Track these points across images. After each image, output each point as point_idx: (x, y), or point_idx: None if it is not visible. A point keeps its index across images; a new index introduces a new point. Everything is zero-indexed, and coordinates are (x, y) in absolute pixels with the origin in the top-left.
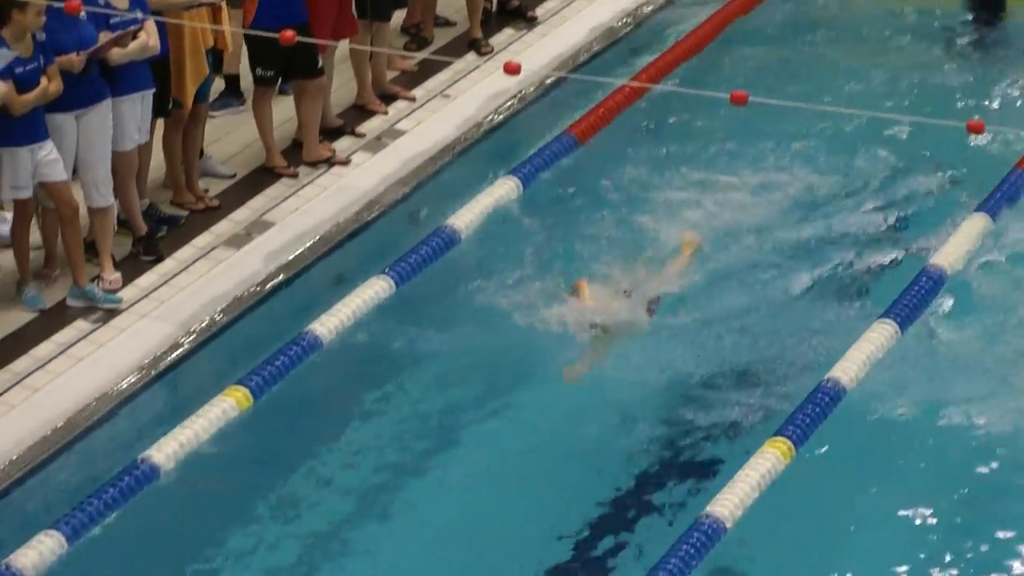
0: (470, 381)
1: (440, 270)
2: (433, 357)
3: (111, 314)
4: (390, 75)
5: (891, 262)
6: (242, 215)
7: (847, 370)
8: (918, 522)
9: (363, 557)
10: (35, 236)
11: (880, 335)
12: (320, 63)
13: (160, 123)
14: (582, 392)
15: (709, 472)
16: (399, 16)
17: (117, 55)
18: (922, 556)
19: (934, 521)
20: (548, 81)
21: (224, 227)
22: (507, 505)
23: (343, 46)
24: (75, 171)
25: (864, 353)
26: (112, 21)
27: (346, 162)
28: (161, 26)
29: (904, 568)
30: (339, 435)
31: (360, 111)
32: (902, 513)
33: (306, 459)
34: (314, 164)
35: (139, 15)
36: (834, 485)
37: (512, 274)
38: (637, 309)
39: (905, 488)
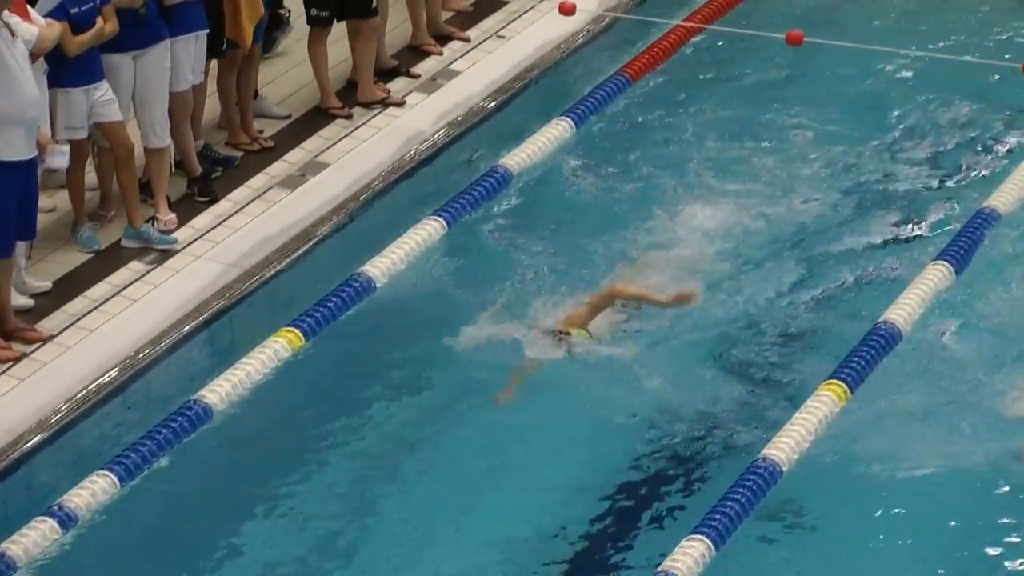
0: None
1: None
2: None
3: (166, 255)
4: (445, 15)
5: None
6: (297, 156)
7: (901, 312)
8: None
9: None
10: (90, 177)
11: (934, 277)
12: (374, 3)
13: (214, 64)
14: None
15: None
16: None
17: None
18: None
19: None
20: (602, 22)
21: (279, 168)
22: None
23: None
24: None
25: (918, 295)
26: None
27: (400, 103)
28: None
29: None
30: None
31: (414, 51)
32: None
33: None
34: (369, 105)
35: None
36: None
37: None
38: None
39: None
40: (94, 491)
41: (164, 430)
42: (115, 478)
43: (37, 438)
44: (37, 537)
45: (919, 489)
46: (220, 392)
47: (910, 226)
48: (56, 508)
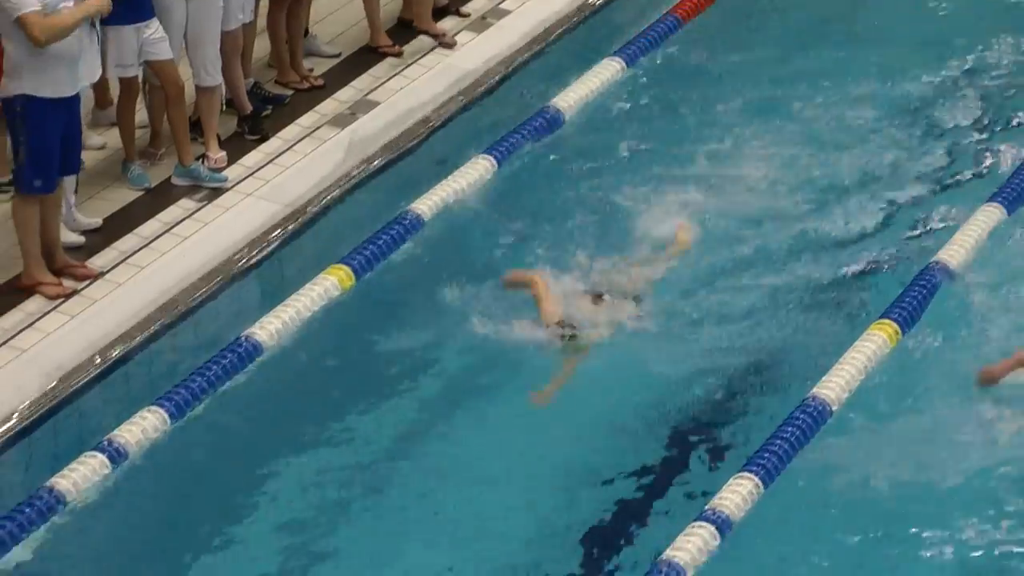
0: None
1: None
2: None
3: (216, 193)
4: None
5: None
6: (346, 94)
7: (955, 253)
8: None
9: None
10: (141, 115)
11: (987, 217)
12: None
13: (265, 2)
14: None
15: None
16: None
17: None
18: None
19: None
20: None
21: (329, 106)
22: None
23: None
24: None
25: (971, 236)
26: None
27: (451, 44)
28: None
29: None
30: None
31: None
32: None
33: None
34: (426, 33)
35: None
36: None
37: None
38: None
39: None
40: (144, 427)
41: (214, 367)
42: (165, 414)
43: (88, 374)
44: (87, 472)
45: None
46: (270, 329)
47: (958, 170)
48: (106, 443)
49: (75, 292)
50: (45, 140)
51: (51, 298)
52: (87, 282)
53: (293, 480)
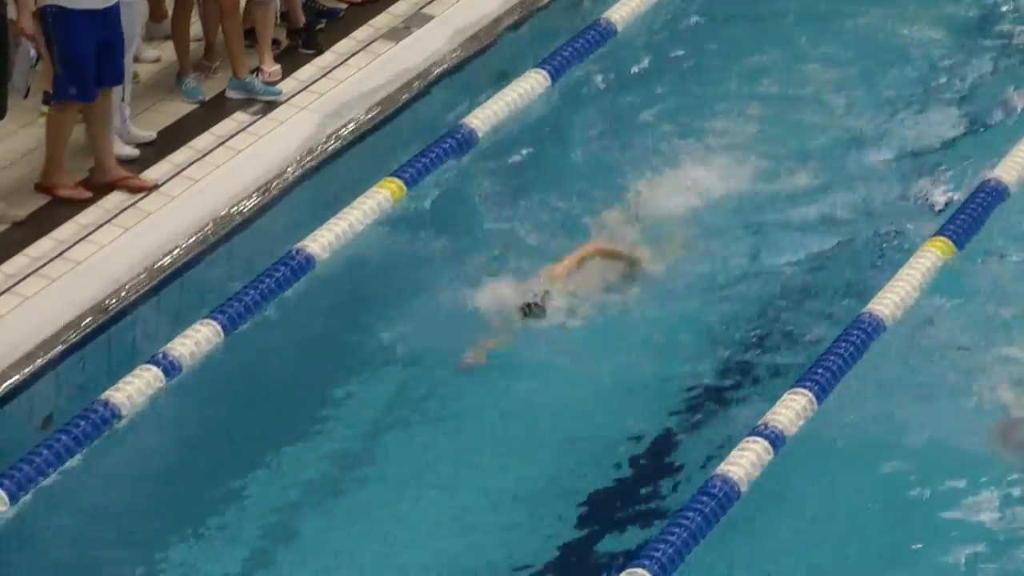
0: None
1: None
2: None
3: (270, 106)
4: None
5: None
6: (401, 8)
7: (1010, 170)
8: None
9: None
10: (195, 28)
11: None
12: None
13: None
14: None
15: None
16: None
17: None
18: None
19: None
20: None
21: (383, 20)
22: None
23: None
24: None
25: None
26: None
27: None
28: None
29: None
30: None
31: None
32: None
33: None
34: None
35: None
36: None
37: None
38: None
39: None
40: (198, 340)
41: (267, 280)
42: (218, 327)
43: (142, 287)
44: (141, 385)
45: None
46: (323, 242)
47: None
48: (160, 356)
49: (130, 205)
50: (76, 51)
51: (66, 200)
52: (142, 195)
53: (352, 387)
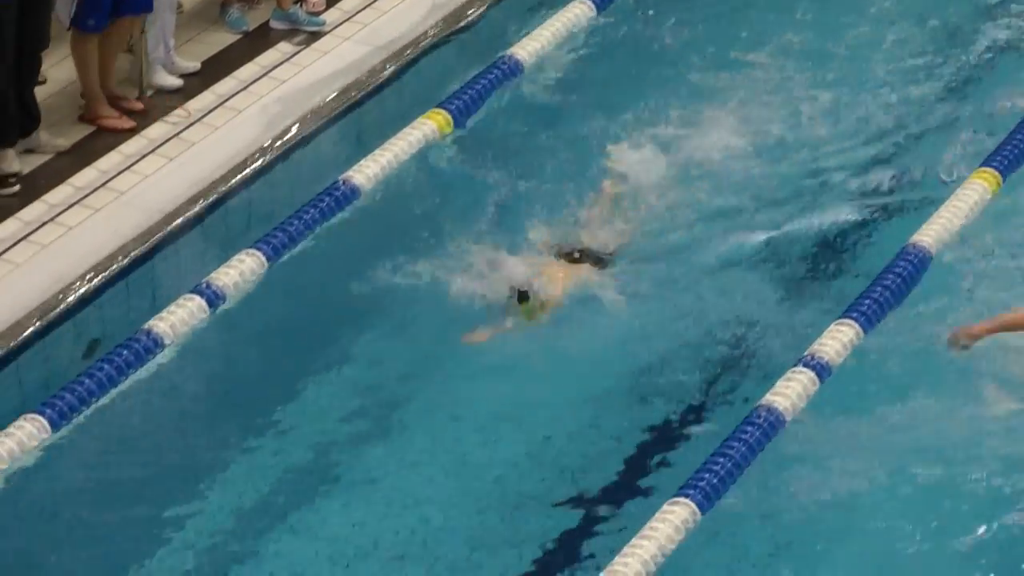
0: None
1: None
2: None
3: (314, 37)
4: None
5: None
6: None
7: None
8: None
9: None
10: None
11: None
12: None
13: None
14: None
15: None
16: None
17: None
18: None
19: None
20: None
21: None
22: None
23: None
24: None
25: None
26: None
27: None
28: None
29: None
30: None
31: None
32: None
33: None
34: None
35: None
36: None
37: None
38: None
39: None
40: (242, 270)
41: (311, 210)
42: (263, 257)
43: (185, 216)
44: (184, 315)
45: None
46: (367, 173)
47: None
48: (204, 286)
49: (174, 135)
50: None
51: (109, 131)
52: (185, 124)
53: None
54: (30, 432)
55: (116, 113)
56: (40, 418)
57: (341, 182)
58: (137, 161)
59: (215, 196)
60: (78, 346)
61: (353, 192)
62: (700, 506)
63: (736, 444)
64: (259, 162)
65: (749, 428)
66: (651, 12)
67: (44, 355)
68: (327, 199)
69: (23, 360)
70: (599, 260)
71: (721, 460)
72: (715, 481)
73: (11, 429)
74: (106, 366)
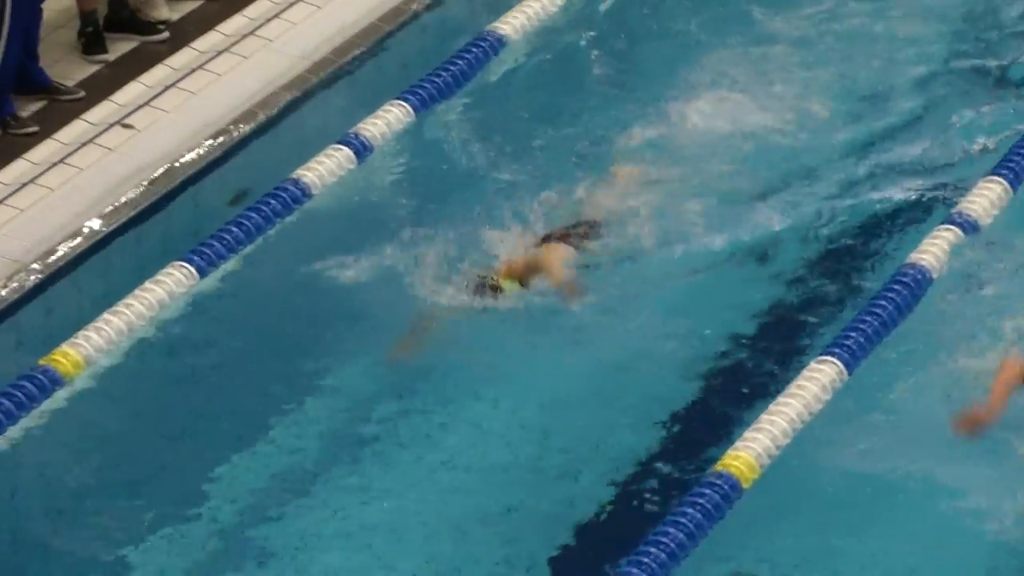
0: None
1: None
2: None
3: None
4: None
5: None
6: None
7: None
8: None
9: None
10: None
11: None
12: None
13: None
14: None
15: None
16: None
17: None
18: None
19: None
20: None
21: None
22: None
23: None
24: None
25: None
26: None
27: None
28: None
29: None
30: None
31: None
32: None
33: None
34: None
35: None
36: None
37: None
38: None
39: None
40: (388, 120)
41: (459, 61)
42: (409, 107)
43: (335, 65)
44: (332, 165)
45: None
46: (515, 24)
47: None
48: (352, 136)
49: None
50: None
51: None
52: None
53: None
54: (178, 279)
55: None
56: (188, 266)
57: (487, 33)
58: (285, 9)
59: (361, 49)
60: (225, 194)
61: (500, 42)
62: (847, 365)
63: (884, 303)
64: (409, 12)
65: (896, 287)
66: None
67: (194, 202)
68: (474, 50)
69: (173, 208)
70: (586, 235)
71: (868, 319)
72: (862, 340)
73: (160, 276)
74: (254, 215)
